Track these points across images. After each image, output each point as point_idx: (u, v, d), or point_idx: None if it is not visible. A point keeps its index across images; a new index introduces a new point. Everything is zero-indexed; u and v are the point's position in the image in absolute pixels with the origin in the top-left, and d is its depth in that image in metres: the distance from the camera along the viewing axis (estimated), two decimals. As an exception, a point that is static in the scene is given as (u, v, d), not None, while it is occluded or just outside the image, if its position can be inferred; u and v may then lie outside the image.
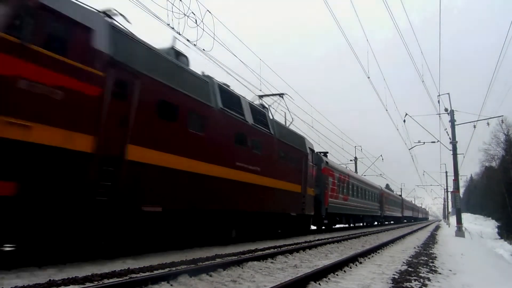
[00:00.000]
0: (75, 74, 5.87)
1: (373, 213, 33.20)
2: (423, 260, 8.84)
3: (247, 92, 14.27)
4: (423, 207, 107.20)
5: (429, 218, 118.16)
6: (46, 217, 5.76)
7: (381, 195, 36.14)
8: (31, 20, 5.35)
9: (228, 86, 10.90)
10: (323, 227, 21.57)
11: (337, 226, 24.84)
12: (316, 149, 20.88)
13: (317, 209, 17.83)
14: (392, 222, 48.76)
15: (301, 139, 16.05)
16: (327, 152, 22.54)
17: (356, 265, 7.60)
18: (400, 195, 57.72)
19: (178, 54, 9.10)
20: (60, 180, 5.76)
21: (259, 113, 12.37)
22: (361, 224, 32.47)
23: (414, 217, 73.31)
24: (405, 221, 60.63)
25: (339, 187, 22.18)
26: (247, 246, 10.48)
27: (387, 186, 55.39)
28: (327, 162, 20.46)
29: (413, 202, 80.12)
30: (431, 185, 60.75)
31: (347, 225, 27.81)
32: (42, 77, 5.41)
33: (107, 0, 7.29)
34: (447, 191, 53.14)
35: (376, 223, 37.93)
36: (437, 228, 36.50)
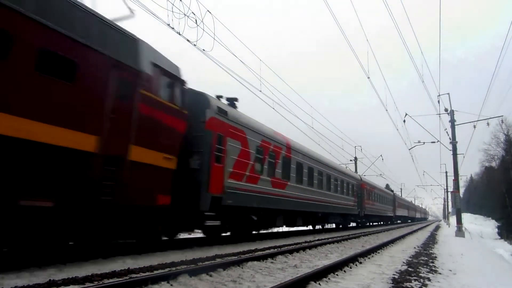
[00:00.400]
0: None
1: (346, 211, 23.88)
2: (423, 260, 8.85)
3: (246, 91, 14.23)
4: (423, 207, 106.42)
5: (429, 218, 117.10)
6: None
7: (361, 187, 27.87)
8: None
9: None
10: (223, 233, 11.99)
11: (272, 230, 16.68)
12: (317, 149, 20.52)
13: (190, 196, 9.40)
14: (381, 223, 41.60)
15: (119, 36, 7.24)
16: (236, 100, 12.21)
17: (356, 265, 7.61)
18: (392, 191, 48.63)
19: None
20: None
21: None
22: (323, 226, 23.13)
23: (410, 217, 65.78)
24: (399, 221, 54.37)
25: (260, 162, 12.61)
26: (247, 246, 10.49)
27: (387, 186, 55.18)
28: (223, 112, 10.60)
29: (412, 201, 76.13)
30: (431, 185, 60.77)
31: (296, 228, 19.08)
32: None
33: (109, 1, 7.29)
34: (447, 191, 53.22)
35: (352, 224, 29.51)
36: (437, 228, 36.51)
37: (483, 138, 60.25)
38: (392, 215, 44.20)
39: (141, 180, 7.58)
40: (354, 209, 25.94)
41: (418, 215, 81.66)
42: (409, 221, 64.56)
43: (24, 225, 5.66)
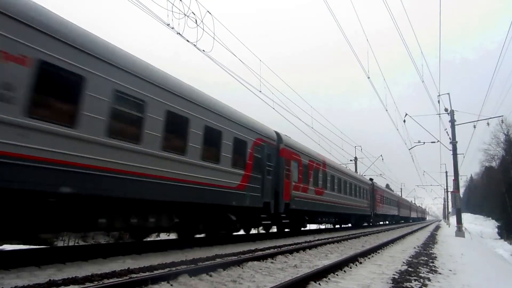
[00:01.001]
0: None
1: (213, 198, 10.14)
2: (423, 260, 8.85)
3: (246, 90, 14.24)
4: (422, 206, 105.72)
5: (428, 218, 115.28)
6: None
7: (279, 155, 14.27)
8: None
9: None
10: None
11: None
12: (317, 149, 20.30)
13: None
14: (342, 226, 26.95)
15: None
16: None
17: (356, 265, 7.61)
18: (372, 179, 34.33)
19: None
20: None
21: None
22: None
23: (403, 217, 54.40)
24: (386, 222, 43.50)
25: None
26: (247, 246, 10.50)
27: (387, 186, 55.12)
28: None
29: (412, 201, 72.14)
30: (431, 185, 60.76)
31: None
32: None
33: (108, 1, 7.27)
34: (447, 191, 53.26)
35: (254, 230, 16.69)
36: (437, 228, 36.49)
37: (483, 138, 60.46)
38: (369, 213, 30.76)
39: None
40: (246, 197, 11.83)
41: (413, 215, 69.64)
42: (402, 221, 54.72)
43: None
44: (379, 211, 34.87)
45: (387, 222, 43.80)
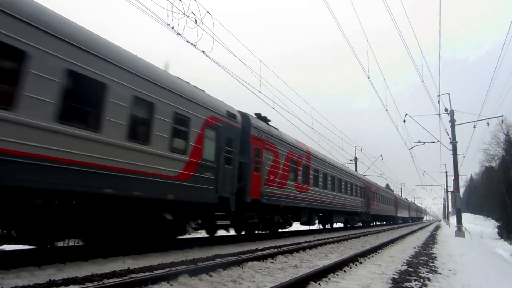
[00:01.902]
0: None
1: None
2: (423, 260, 8.85)
3: (246, 90, 14.23)
4: (422, 206, 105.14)
5: (426, 219, 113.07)
6: None
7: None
8: None
9: None
10: None
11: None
12: (317, 149, 20.25)
13: None
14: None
15: None
16: None
17: (356, 265, 7.61)
18: (264, 119, 13.38)
19: None
20: None
21: None
22: None
23: (380, 216, 36.85)
24: (337, 225, 23.38)
25: None
26: (247, 246, 10.49)
27: (387, 186, 54.95)
28: None
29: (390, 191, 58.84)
30: (431, 185, 60.69)
31: None
32: None
33: (107, 1, 7.25)
34: (447, 191, 53.27)
35: None
36: (437, 228, 36.49)
37: (483, 138, 60.44)
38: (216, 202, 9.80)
39: None
40: None
41: (403, 214, 53.45)
42: (384, 222, 41.97)
43: None
44: (291, 199, 14.52)
45: (336, 225, 23.88)
